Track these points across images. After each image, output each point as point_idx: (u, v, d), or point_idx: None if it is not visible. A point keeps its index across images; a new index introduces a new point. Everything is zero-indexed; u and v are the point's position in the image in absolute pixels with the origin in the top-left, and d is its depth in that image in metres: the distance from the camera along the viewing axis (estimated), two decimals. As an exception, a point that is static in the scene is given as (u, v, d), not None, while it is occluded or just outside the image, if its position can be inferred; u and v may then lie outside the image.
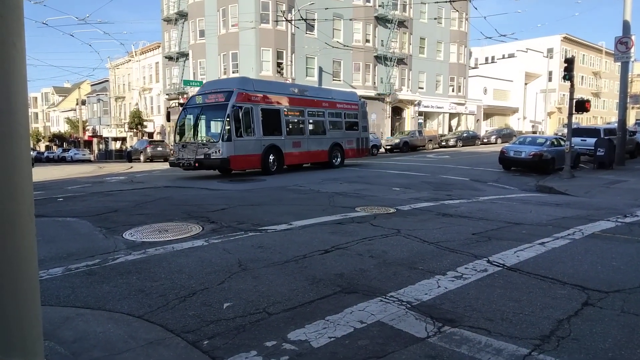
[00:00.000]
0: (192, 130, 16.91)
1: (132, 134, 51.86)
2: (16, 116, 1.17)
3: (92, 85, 69.62)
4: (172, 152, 17.68)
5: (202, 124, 16.88)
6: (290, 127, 18.64)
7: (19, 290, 1.18)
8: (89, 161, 46.58)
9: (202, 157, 15.54)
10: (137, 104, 51.95)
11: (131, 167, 26.88)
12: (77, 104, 60.77)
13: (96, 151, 58.69)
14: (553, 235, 6.64)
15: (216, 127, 16.65)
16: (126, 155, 39.54)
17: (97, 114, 61.69)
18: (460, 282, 4.54)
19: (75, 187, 14.53)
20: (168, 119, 20.14)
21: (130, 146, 43.86)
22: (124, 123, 53.80)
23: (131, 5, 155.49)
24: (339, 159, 20.74)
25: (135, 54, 51.38)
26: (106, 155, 53.50)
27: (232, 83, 17.72)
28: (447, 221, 7.78)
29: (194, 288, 4.48)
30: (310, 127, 19.57)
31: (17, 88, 1.18)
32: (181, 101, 20.99)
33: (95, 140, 62.61)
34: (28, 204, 1.17)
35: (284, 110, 18.19)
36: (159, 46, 46.92)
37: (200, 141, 16.13)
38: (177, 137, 17.15)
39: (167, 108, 19.33)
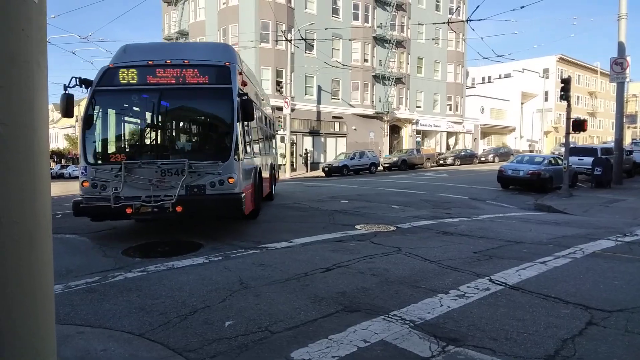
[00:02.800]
0: (148, 135, 8.46)
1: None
2: (38, 132, 1.19)
3: (91, 102, 69.88)
4: (83, 182, 7.47)
5: (169, 125, 8.70)
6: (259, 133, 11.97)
7: (37, 305, 1.18)
8: (87, 178, 46.52)
9: (191, 191, 7.45)
10: (136, 122, 52.11)
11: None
12: (76, 120, 60.95)
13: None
14: (554, 254, 6.63)
15: (202, 131, 9.15)
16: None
17: (96, 131, 61.75)
18: (463, 301, 4.52)
19: (74, 204, 14.46)
20: (69, 113, 7.39)
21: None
22: (123, 140, 53.84)
23: (133, 24, 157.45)
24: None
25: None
26: (104, 172, 53.31)
27: (195, 48, 9.94)
28: (447, 239, 7.77)
29: (195, 306, 4.44)
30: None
31: (39, 105, 1.20)
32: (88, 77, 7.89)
33: (93, 157, 62.49)
34: (47, 220, 1.18)
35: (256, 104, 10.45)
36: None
37: (174, 159, 7.64)
38: (99, 149, 7.95)
39: (65, 91, 7.22)
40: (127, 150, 8.28)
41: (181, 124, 9.13)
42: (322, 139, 37.73)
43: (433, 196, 15.63)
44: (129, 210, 7.26)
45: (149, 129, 8.38)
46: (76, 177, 44.82)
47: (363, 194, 16.23)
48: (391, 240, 7.69)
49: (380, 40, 40.37)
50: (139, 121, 8.56)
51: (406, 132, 45.12)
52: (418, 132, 45.94)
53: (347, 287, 5.02)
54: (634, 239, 8.00)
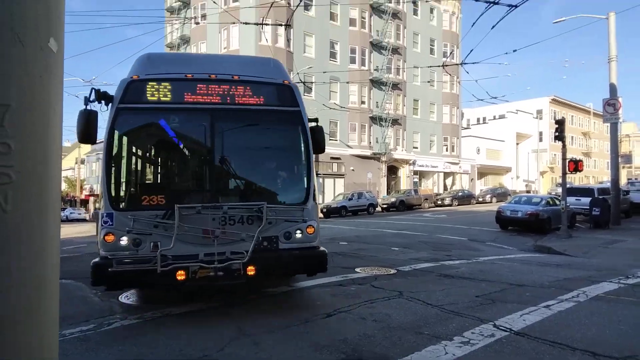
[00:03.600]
0: (199, 170, 6.31)
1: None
2: (51, 182, 1.23)
3: (92, 144, 70.48)
4: (105, 235, 5.24)
5: (226, 156, 6.13)
6: None
7: (44, 352, 1.18)
8: (84, 220, 46.25)
9: (261, 245, 5.68)
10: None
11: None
12: (76, 162, 61.30)
13: (92, 210, 58.42)
14: (557, 297, 6.54)
15: (271, 166, 6.77)
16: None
17: (96, 172, 62.02)
18: (468, 348, 4.42)
19: (71, 247, 14.34)
20: (89, 137, 5.37)
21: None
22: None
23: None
24: None
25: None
26: (101, 214, 53.12)
27: (240, 61, 8.18)
28: (449, 282, 7.67)
29: (192, 355, 4.33)
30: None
31: (53, 153, 1.24)
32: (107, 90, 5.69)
33: (91, 199, 62.53)
34: (55, 263, 1.20)
35: None
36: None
37: (244, 200, 5.92)
38: (133, 189, 6.01)
39: (86, 106, 5.32)
40: (173, 189, 6.17)
41: (242, 155, 6.36)
42: (321, 180, 37.89)
43: (432, 237, 15.55)
44: (181, 276, 5.17)
45: (198, 161, 6.22)
46: (74, 220, 44.61)
47: (362, 236, 16.14)
48: (392, 283, 7.59)
49: (377, 83, 41.31)
50: (182, 151, 6.44)
51: (404, 172, 45.41)
52: (415, 172, 46.24)
53: (349, 333, 4.91)
54: (636, 281, 7.92)
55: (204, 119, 5.91)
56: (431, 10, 47.15)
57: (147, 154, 6.46)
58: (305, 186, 6.02)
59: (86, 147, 70.58)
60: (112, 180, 5.56)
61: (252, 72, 6.38)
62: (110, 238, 5.25)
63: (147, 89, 5.75)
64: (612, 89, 19.70)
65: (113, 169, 5.58)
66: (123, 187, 5.72)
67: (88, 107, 5.32)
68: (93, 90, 5.50)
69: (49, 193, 1.19)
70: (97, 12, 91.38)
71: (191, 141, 6.32)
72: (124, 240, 5.25)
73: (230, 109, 6.04)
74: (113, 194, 5.48)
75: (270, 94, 6.23)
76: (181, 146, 6.41)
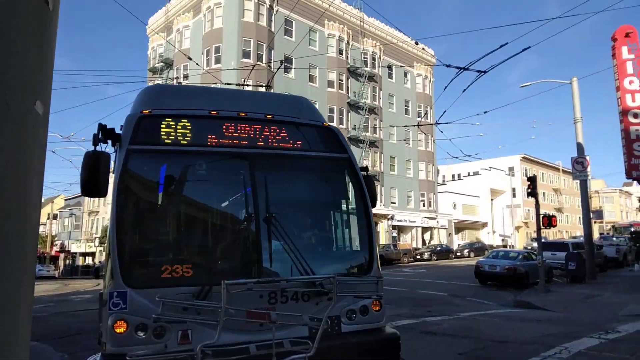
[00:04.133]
0: (241, 232, 4.69)
1: (102, 248, 50.43)
2: (28, 242, 1.23)
3: (66, 199, 69.14)
4: (115, 324, 3.71)
5: (273, 215, 4.63)
6: None
7: None
8: (53, 277, 44.38)
9: (332, 328, 4.38)
10: (109, 219, 51.29)
11: (98, 284, 25.62)
12: (48, 218, 59.66)
13: (62, 267, 56.32)
14: (540, 354, 6.50)
15: (327, 226, 5.50)
16: (93, 272, 37.99)
17: (68, 228, 60.41)
18: (453, 409, 4.29)
19: (38, 306, 13.66)
20: (99, 189, 3.99)
21: (99, 261, 42.40)
22: (95, 238, 52.55)
23: (115, 124, 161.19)
24: None
25: (114, 170, 52.02)
26: (72, 271, 51.28)
27: (265, 97, 6.55)
28: (431, 339, 7.55)
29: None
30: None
31: (32, 214, 1.25)
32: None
33: (62, 255, 60.40)
34: (27, 321, 1.18)
35: None
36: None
37: (298, 274, 4.45)
38: (153, 257, 4.45)
39: (95, 147, 4.08)
40: (208, 258, 4.57)
41: (291, 212, 5.09)
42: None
43: (413, 293, 15.42)
44: None
45: (238, 221, 4.73)
46: (42, 277, 42.60)
47: (342, 292, 15.86)
48: (374, 341, 7.42)
49: (354, 141, 42.33)
50: (217, 207, 4.88)
51: (382, 227, 45.58)
52: (394, 227, 46.47)
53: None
54: (616, 336, 7.95)
55: (241, 166, 4.66)
56: (405, 74, 49.41)
57: (170, 210, 4.72)
58: (368, 249, 4.88)
59: (60, 202, 69.12)
60: (126, 246, 4.05)
61: (283, 111, 5.25)
62: (122, 327, 3.73)
63: (163, 127, 4.48)
64: (580, 148, 20.66)
65: (126, 229, 4.13)
66: (140, 255, 4.29)
67: (96, 149, 4.04)
68: (99, 126, 4.26)
69: (27, 250, 1.19)
70: (78, 71, 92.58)
71: (226, 194, 4.93)
72: (143, 331, 3.78)
73: (272, 154, 4.81)
74: (126, 264, 3.94)
75: (314, 138, 5.12)
76: (214, 201, 4.90)
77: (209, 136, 4.60)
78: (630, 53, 19.45)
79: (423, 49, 50.55)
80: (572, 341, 7.41)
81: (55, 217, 61.32)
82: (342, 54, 41.93)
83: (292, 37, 37.41)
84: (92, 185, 3.91)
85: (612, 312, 11.15)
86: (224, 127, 4.67)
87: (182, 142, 4.47)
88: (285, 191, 5.10)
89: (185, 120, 4.54)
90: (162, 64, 42.17)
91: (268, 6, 35.97)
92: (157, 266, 4.18)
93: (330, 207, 5.43)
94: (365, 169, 5.41)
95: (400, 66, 47.77)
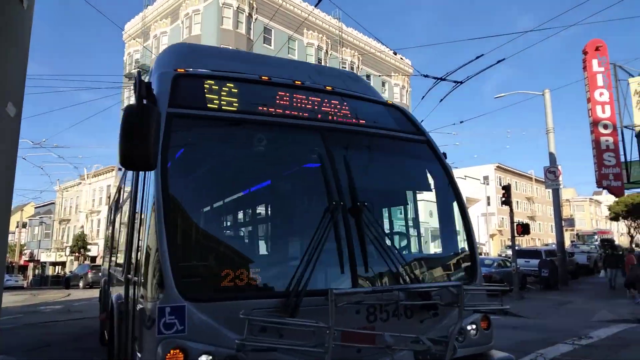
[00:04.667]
0: (327, 227, 3.22)
1: (72, 258, 49.08)
2: None
3: (36, 207, 67.14)
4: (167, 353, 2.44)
5: (358, 207, 3.40)
6: None
7: None
8: (21, 287, 42.90)
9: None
10: (82, 227, 50.09)
11: (69, 295, 24.91)
12: (17, 226, 57.80)
13: (31, 277, 54.54)
14: (516, 360, 6.56)
15: (417, 220, 4.62)
16: (64, 282, 36.94)
17: (38, 237, 58.62)
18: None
19: (5, 317, 13.15)
20: (148, 157, 2.66)
21: (70, 271, 41.26)
22: (66, 247, 51.14)
23: (89, 130, 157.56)
24: None
25: (87, 177, 50.94)
26: (41, 281, 49.73)
27: (318, 69, 5.74)
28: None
29: None
30: None
31: (0, 221, 1.20)
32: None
33: (31, 265, 58.53)
34: None
35: None
36: (113, 169, 47.03)
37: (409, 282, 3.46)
38: (219, 262, 3.13)
39: (142, 98, 2.65)
40: (290, 260, 3.42)
41: (378, 205, 4.28)
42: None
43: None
44: None
45: (318, 211, 3.33)
46: (10, 288, 41.10)
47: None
48: None
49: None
50: (290, 193, 3.93)
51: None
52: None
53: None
54: (589, 341, 8.12)
55: (314, 142, 3.59)
56: (383, 84, 49.97)
57: (236, 197, 3.77)
58: (470, 252, 3.98)
59: (30, 210, 66.95)
60: (179, 243, 2.94)
61: (338, 84, 4.33)
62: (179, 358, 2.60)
63: (206, 90, 3.46)
64: (552, 157, 21.21)
65: (176, 220, 2.97)
66: (199, 256, 3.14)
67: (144, 102, 2.80)
68: (139, 75, 3.22)
69: None
70: (52, 76, 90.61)
71: (302, 178, 3.84)
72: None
73: (350, 130, 3.85)
74: (182, 268, 2.82)
75: (384, 117, 4.20)
76: (288, 186, 3.91)
77: (261, 105, 3.58)
78: (600, 66, 20.14)
79: (401, 58, 51.30)
80: (547, 347, 7.53)
81: (24, 225, 59.46)
82: (320, 63, 42.19)
83: (271, 46, 37.42)
84: (141, 151, 2.65)
85: (585, 318, 11.39)
86: (278, 96, 3.71)
87: (232, 109, 3.46)
88: (370, 177, 3.91)
89: (232, 84, 3.59)
90: (138, 69, 41.62)
91: (247, 14, 35.91)
92: (221, 271, 2.96)
93: (418, 198, 4.57)
94: (444, 155, 4.42)
95: (379, 76, 48.31)
